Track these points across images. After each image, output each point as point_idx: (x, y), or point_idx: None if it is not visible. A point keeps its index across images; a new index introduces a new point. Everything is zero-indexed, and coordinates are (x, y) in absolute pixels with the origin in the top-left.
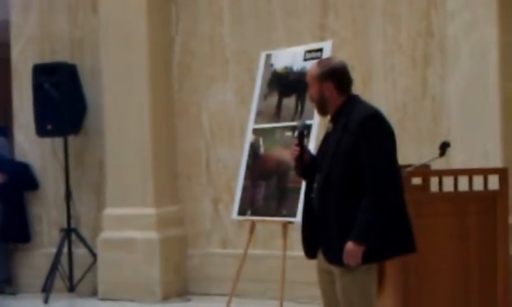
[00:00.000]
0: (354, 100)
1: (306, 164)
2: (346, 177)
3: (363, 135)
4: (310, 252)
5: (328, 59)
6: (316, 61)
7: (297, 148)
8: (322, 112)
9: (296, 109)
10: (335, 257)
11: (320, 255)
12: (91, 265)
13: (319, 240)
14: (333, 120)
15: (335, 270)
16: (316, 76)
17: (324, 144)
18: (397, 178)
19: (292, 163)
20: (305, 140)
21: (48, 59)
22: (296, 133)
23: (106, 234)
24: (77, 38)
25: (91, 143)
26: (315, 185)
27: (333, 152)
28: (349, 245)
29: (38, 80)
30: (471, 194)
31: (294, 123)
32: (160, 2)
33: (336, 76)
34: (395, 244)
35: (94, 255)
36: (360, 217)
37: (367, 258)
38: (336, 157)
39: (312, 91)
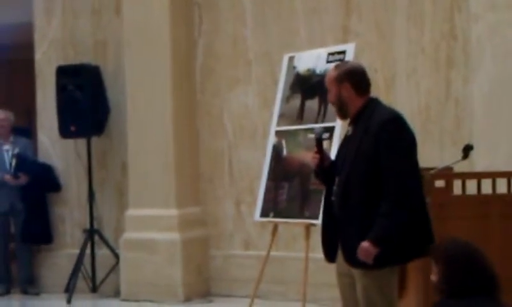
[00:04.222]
0: (374, 103)
1: (326, 170)
2: (367, 180)
3: (383, 138)
4: (330, 256)
5: (345, 62)
6: (334, 64)
7: (317, 155)
8: (342, 115)
9: (318, 111)
10: (356, 259)
11: (339, 258)
12: (113, 266)
13: (338, 242)
14: (352, 123)
15: (356, 272)
16: (334, 78)
17: (343, 147)
18: (417, 181)
19: (314, 166)
20: (324, 146)
21: (71, 60)
22: (315, 140)
23: (129, 235)
24: (100, 40)
25: (114, 144)
26: (335, 188)
27: (353, 155)
28: (365, 243)
29: (61, 81)
30: (494, 197)
31: (315, 126)
32: (183, 4)
33: (354, 77)
34: (416, 247)
35: (116, 256)
36: (378, 221)
37: (387, 261)
38: (356, 160)
39: (331, 94)
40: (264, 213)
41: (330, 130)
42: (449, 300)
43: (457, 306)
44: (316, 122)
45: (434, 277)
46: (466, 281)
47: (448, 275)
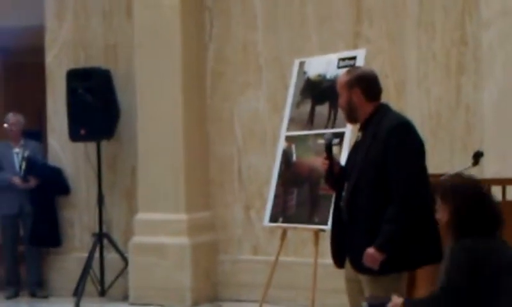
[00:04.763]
0: (384, 109)
1: (336, 175)
2: (375, 186)
3: (390, 144)
4: (339, 261)
5: (357, 67)
6: (345, 70)
7: (326, 161)
8: (351, 120)
9: (328, 117)
10: (362, 265)
11: (347, 264)
12: (122, 270)
13: (346, 248)
14: (362, 129)
15: (363, 278)
16: (344, 83)
17: (353, 153)
18: (423, 188)
19: (323, 172)
20: (334, 152)
21: (82, 64)
22: (324, 146)
23: (138, 239)
24: (111, 44)
25: (124, 148)
26: (343, 193)
27: (361, 161)
28: (371, 249)
29: (72, 85)
30: (504, 204)
31: (326, 132)
32: (194, 9)
33: (364, 83)
34: (422, 253)
35: (125, 260)
36: (384, 226)
37: (394, 267)
38: (365, 166)
39: (341, 99)
40: (273, 219)
41: (340, 135)
42: (465, 239)
43: (474, 246)
44: (326, 127)
45: (442, 216)
46: (477, 218)
47: (459, 213)
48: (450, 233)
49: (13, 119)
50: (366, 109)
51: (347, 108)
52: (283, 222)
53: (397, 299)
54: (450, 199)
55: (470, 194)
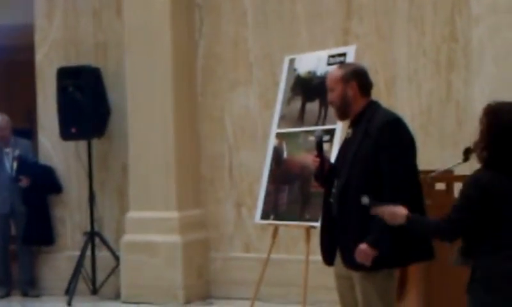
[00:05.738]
0: (374, 106)
1: (326, 173)
2: (365, 182)
3: (381, 141)
4: (328, 259)
5: (349, 63)
6: (336, 65)
7: (317, 159)
8: (342, 115)
9: (319, 114)
10: (354, 262)
11: (338, 260)
12: (114, 268)
13: (337, 245)
14: (352, 125)
15: (354, 275)
16: (340, 77)
17: (343, 150)
18: (415, 184)
19: (314, 169)
20: (324, 148)
21: (72, 62)
22: (315, 143)
23: (129, 237)
24: (101, 42)
25: (115, 146)
26: (333, 190)
27: (352, 157)
28: (363, 245)
29: (62, 83)
30: None
31: (316, 128)
32: (184, 6)
33: (360, 77)
34: (413, 250)
35: (117, 258)
36: (376, 222)
37: (385, 263)
38: (355, 162)
39: (334, 93)
40: (265, 216)
41: (331, 132)
42: (482, 175)
43: (487, 186)
44: (317, 124)
45: (476, 137)
46: (505, 148)
47: (489, 133)
48: (476, 156)
49: (3, 125)
50: (359, 103)
51: (341, 102)
52: (274, 219)
53: (402, 209)
54: (486, 118)
55: (506, 119)
